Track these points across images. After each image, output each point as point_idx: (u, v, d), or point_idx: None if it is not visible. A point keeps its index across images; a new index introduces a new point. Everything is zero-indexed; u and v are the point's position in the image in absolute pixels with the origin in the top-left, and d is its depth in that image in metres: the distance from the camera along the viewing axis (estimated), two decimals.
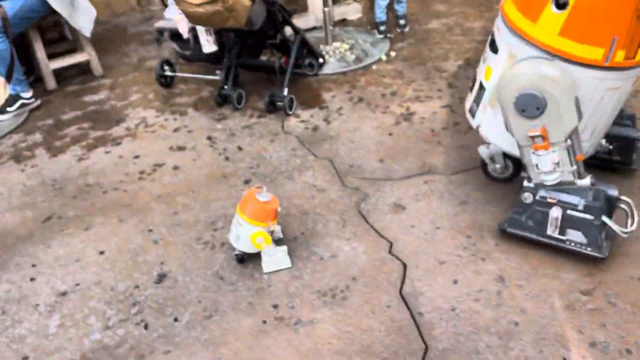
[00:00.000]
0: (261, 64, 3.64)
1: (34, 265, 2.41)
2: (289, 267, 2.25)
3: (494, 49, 2.18)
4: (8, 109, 3.58)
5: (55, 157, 3.20)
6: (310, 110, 3.44)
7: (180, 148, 3.18)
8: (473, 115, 2.38)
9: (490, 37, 2.25)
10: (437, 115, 3.23)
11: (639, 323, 1.88)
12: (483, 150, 2.46)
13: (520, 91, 1.93)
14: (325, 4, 4.06)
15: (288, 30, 3.58)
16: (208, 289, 2.20)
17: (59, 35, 4.40)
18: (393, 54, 4.07)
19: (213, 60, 3.63)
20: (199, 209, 2.66)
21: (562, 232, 2.10)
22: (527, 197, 2.15)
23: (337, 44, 4.26)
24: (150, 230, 2.55)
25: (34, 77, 4.03)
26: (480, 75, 2.31)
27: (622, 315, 1.92)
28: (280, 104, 3.39)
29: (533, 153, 2.05)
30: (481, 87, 2.29)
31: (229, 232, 2.30)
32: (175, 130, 3.38)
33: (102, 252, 2.44)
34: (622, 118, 2.39)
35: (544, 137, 1.98)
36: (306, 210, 2.58)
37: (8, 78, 3.51)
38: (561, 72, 1.91)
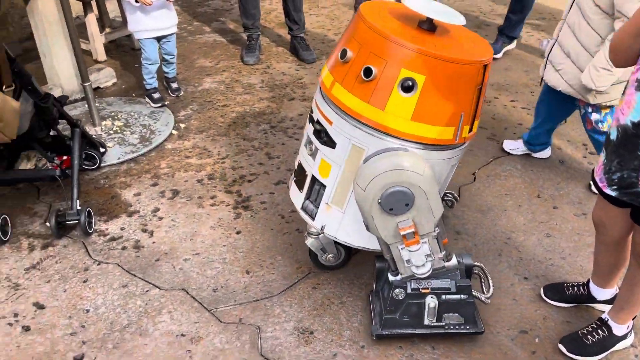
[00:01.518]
0: (31, 175, 2.63)
1: None
2: None
3: (327, 142, 1.92)
4: None
5: None
6: (117, 221, 2.64)
7: None
8: (311, 215, 2.08)
9: (312, 127, 1.99)
10: (276, 196, 2.81)
11: None
12: (312, 243, 2.18)
13: (386, 190, 1.73)
14: (84, 77, 3.20)
15: None
16: None
17: None
18: (183, 125, 3.47)
19: None
20: None
21: (439, 319, 1.98)
22: (399, 293, 1.94)
23: (107, 123, 3.45)
24: None
25: None
26: (310, 168, 2.03)
27: None
28: (74, 221, 2.50)
29: (403, 249, 1.85)
30: (315, 183, 2.04)
31: None
32: None
33: None
34: None
35: (415, 232, 1.81)
36: None
37: None
38: (422, 162, 1.77)
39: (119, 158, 3.12)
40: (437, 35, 1.83)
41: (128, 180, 2.94)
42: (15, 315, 2.13)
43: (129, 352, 1.98)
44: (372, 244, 1.99)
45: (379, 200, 1.75)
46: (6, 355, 1.97)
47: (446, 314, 1.97)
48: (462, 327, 1.98)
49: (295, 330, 2.07)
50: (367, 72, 1.72)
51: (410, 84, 1.72)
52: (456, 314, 1.98)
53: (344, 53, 1.81)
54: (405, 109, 1.75)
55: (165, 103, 3.69)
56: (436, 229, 1.85)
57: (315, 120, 1.96)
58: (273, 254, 2.44)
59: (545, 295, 2.18)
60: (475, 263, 2.05)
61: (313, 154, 1.99)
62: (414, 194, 1.74)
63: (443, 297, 1.94)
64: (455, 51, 1.77)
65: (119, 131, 3.39)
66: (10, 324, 2.09)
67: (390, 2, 2.04)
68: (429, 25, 1.82)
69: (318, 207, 2.04)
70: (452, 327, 1.98)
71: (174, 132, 3.40)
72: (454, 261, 1.96)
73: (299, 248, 2.46)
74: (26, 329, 2.07)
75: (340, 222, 2.02)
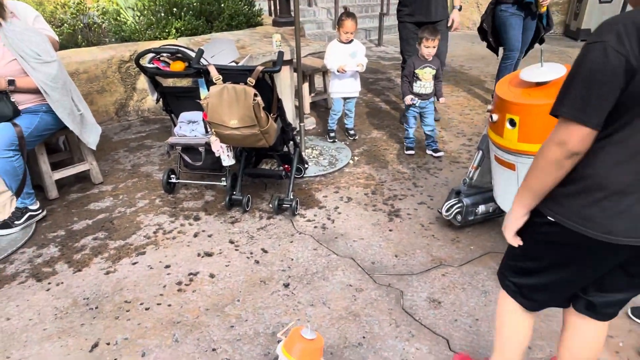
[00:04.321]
0: (268, 173, 3.20)
1: None
2: None
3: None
4: (16, 222, 2.71)
5: (79, 272, 2.42)
6: (312, 210, 3.06)
7: (208, 254, 2.59)
8: None
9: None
10: (419, 212, 3.03)
11: None
12: None
13: None
14: (301, 119, 3.77)
15: None
16: None
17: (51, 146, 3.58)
18: (356, 158, 3.87)
19: (216, 169, 3.13)
20: (253, 320, 2.11)
21: None
22: None
23: (308, 151, 3.97)
24: (214, 350, 1.93)
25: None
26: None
27: None
28: (287, 205, 2.97)
29: None
30: None
31: None
32: (196, 235, 2.78)
33: None
34: None
35: None
36: (356, 313, 2.15)
37: (18, 193, 2.67)
38: None
39: (314, 173, 3.59)
40: (544, 86, 2.06)
41: (320, 187, 3.38)
42: (251, 253, 2.61)
43: (316, 287, 2.32)
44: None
45: None
46: (245, 274, 2.43)
47: None
48: None
49: (427, 298, 2.25)
50: (491, 117, 2.13)
51: (513, 121, 2.05)
52: None
53: (489, 112, 2.13)
54: (513, 135, 2.07)
55: (346, 143, 4.14)
56: None
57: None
58: (414, 248, 2.65)
59: (632, 314, 2.10)
60: None
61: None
62: None
63: None
64: (541, 96, 2.00)
65: (315, 157, 3.89)
66: (248, 258, 2.57)
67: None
68: (538, 83, 2.07)
69: None
70: None
71: (351, 162, 3.81)
72: None
73: (434, 248, 2.64)
74: (257, 262, 2.53)
75: None
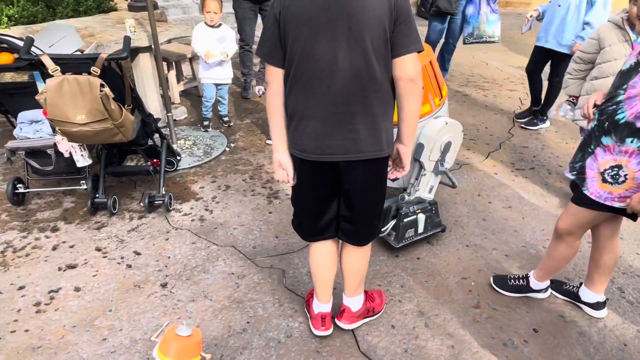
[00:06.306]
0: (134, 170, 2.95)
1: None
2: None
3: None
4: None
5: None
6: (188, 203, 2.93)
7: (71, 267, 2.33)
8: None
9: None
10: None
11: (517, 319, 2.06)
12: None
13: None
14: (168, 109, 3.55)
15: None
16: None
17: None
18: (232, 145, 3.79)
19: (73, 171, 2.81)
20: (128, 328, 1.96)
21: None
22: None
23: (181, 142, 3.78)
24: None
25: None
26: None
27: (506, 316, 2.08)
28: (160, 202, 2.79)
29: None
30: None
31: None
32: (54, 248, 2.47)
33: None
34: None
35: None
36: (239, 300, 2.14)
37: None
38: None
39: (189, 164, 3.43)
40: None
41: (195, 178, 3.25)
42: (122, 258, 2.41)
43: (196, 282, 2.24)
44: None
45: None
46: (116, 282, 2.24)
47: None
48: None
49: (307, 273, 2.32)
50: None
51: None
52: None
53: None
54: None
55: (221, 130, 4.02)
56: None
57: None
58: None
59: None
60: None
61: None
62: None
63: None
64: None
65: (189, 147, 3.71)
66: (119, 263, 2.37)
67: None
68: None
69: None
70: None
71: (227, 149, 3.72)
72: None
73: None
74: (129, 266, 2.35)
75: None
